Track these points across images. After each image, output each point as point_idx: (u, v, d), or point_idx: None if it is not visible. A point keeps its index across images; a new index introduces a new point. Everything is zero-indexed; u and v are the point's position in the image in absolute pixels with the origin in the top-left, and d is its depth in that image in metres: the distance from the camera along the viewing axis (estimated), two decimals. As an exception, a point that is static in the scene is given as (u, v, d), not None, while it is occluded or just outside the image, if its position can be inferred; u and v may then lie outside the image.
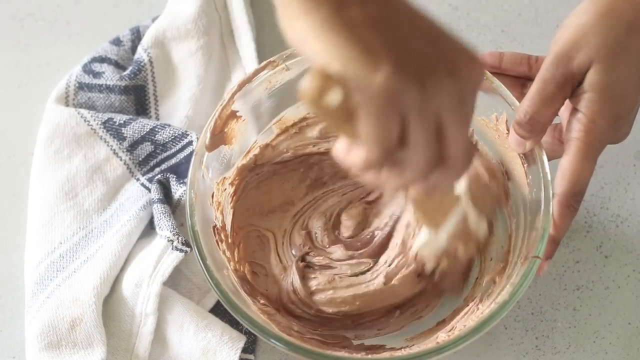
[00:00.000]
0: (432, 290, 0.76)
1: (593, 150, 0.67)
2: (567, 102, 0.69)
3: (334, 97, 0.50)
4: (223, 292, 0.67)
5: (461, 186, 0.70)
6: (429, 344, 0.69)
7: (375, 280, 0.75)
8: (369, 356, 0.69)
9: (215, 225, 0.73)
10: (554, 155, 0.71)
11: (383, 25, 0.51)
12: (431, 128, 0.52)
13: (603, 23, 0.66)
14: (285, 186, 0.81)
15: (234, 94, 0.73)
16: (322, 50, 0.50)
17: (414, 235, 0.74)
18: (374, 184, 0.56)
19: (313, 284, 0.76)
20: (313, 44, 0.51)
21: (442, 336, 0.69)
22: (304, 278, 0.76)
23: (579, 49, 0.66)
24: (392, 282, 0.75)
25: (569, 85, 0.67)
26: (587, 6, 0.67)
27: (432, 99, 0.51)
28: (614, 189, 0.83)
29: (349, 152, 0.54)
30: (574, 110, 0.67)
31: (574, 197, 0.67)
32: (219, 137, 0.73)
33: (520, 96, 0.72)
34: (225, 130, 0.74)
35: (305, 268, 0.77)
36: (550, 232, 0.67)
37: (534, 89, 0.67)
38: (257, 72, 0.74)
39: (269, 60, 0.74)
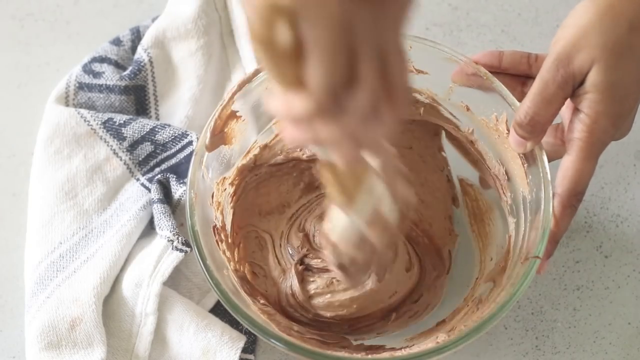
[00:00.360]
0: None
1: (595, 150, 0.67)
2: (568, 101, 0.69)
3: (284, 32, 0.48)
4: (223, 292, 0.67)
5: (376, 166, 0.65)
6: (429, 344, 0.69)
7: (369, 279, 0.75)
8: (369, 356, 0.69)
9: (215, 225, 0.73)
10: (557, 155, 0.71)
11: None
12: (379, 59, 0.50)
13: (604, 23, 0.66)
14: (281, 188, 0.81)
15: (234, 94, 0.73)
16: None
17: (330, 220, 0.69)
18: (310, 140, 0.53)
19: (312, 287, 0.76)
20: None
21: (442, 336, 0.69)
22: (302, 281, 0.76)
23: (580, 49, 0.66)
24: (385, 277, 0.75)
25: (570, 86, 0.67)
26: (586, 5, 0.67)
27: (381, 23, 0.50)
28: (614, 189, 0.83)
29: (289, 102, 0.51)
30: (576, 111, 0.67)
31: (576, 197, 0.68)
32: (219, 137, 0.73)
33: (521, 95, 0.72)
34: (225, 130, 0.74)
35: (305, 271, 0.77)
36: (551, 230, 0.67)
37: (534, 89, 0.67)
38: (257, 72, 0.74)
39: (269, 60, 0.74)
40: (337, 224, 0.65)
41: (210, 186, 0.73)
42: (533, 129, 0.68)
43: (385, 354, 0.70)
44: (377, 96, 0.51)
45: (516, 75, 0.75)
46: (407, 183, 0.66)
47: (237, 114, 0.74)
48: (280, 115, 0.52)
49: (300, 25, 0.48)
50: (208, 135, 0.72)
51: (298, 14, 0.48)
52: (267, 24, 0.48)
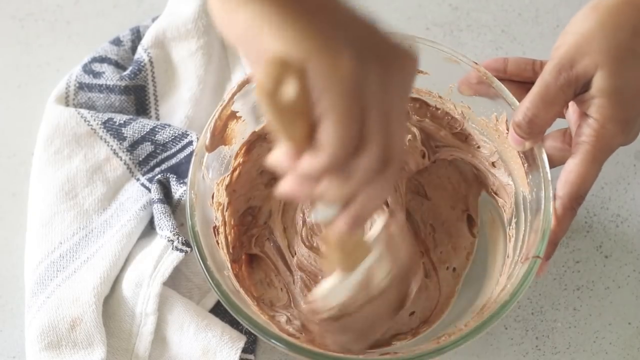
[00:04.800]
0: None
1: (601, 154, 0.67)
2: (575, 107, 0.69)
3: (291, 88, 0.48)
4: (224, 292, 0.66)
5: (375, 232, 0.66)
6: (430, 345, 0.69)
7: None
8: (369, 357, 0.69)
9: (216, 225, 0.73)
10: (564, 160, 0.71)
11: (334, 13, 0.51)
12: (388, 121, 0.51)
13: (606, 28, 0.66)
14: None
15: (233, 94, 0.73)
16: (279, 38, 0.49)
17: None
18: (309, 195, 0.53)
19: None
20: (268, 33, 0.49)
21: (443, 337, 0.69)
22: None
23: (584, 55, 0.66)
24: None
25: (572, 90, 0.67)
26: (588, 12, 0.67)
27: (388, 88, 0.51)
28: (614, 189, 0.83)
29: (296, 157, 0.51)
30: (585, 116, 0.67)
31: (577, 200, 0.68)
32: (218, 138, 0.73)
33: None
34: (225, 130, 0.74)
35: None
36: (551, 232, 0.67)
37: (534, 91, 0.67)
38: (256, 73, 0.74)
39: (268, 60, 0.74)
40: (331, 285, 0.65)
41: (211, 187, 0.73)
42: (531, 130, 0.68)
43: (386, 355, 0.70)
44: (385, 157, 0.52)
45: (521, 81, 0.75)
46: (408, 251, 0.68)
47: (237, 114, 0.74)
48: (283, 169, 0.52)
49: (311, 86, 0.48)
50: (208, 135, 0.72)
51: (308, 75, 0.48)
52: (275, 80, 0.48)
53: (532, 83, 0.74)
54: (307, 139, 0.50)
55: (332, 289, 0.65)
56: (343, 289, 0.64)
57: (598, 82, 0.66)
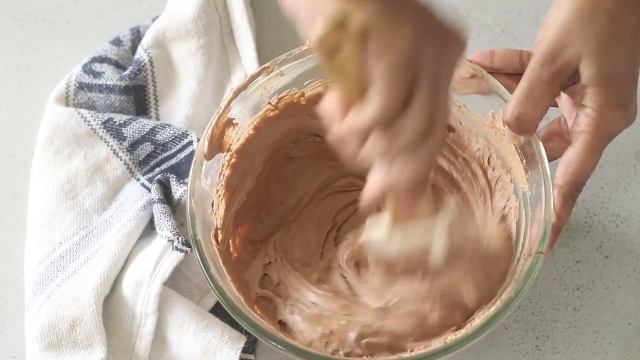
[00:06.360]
0: None
1: (601, 142, 0.67)
2: (567, 96, 0.69)
3: (348, 49, 0.51)
4: (228, 300, 0.66)
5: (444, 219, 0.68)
6: (436, 343, 0.69)
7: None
8: (373, 357, 0.69)
9: (217, 227, 0.73)
10: (561, 152, 0.71)
11: None
12: (436, 91, 0.54)
13: (584, 16, 0.66)
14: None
15: (229, 101, 0.73)
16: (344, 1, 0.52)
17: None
18: (356, 154, 0.56)
19: None
20: None
21: (450, 336, 0.69)
22: None
23: (565, 46, 0.66)
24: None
25: (558, 84, 0.67)
26: (563, 2, 0.67)
27: (440, 63, 0.54)
28: (614, 189, 0.83)
29: (345, 109, 0.54)
30: (581, 106, 0.67)
31: (577, 188, 0.68)
32: (216, 145, 0.73)
33: None
34: (223, 138, 0.73)
35: None
36: (552, 221, 0.67)
37: (520, 89, 0.67)
38: (252, 79, 0.73)
39: (263, 66, 0.74)
40: (380, 229, 0.67)
41: (210, 194, 0.73)
42: (520, 127, 0.68)
43: (393, 356, 0.69)
44: (430, 122, 0.54)
45: (509, 73, 0.75)
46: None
47: (234, 121, 0.74)
48: (330, 118, 0.56)
49: (369, 49, 0.52)
50: (206, 144, 0.71)
51: (368, 38, 0.51)
52: (333, 37, 0.51)
53: (521, 74, 0.74)
54: (359, 98, 0.53)
55: (380, 236, 0.66)
56: (389, 243, 0.66)
57: (586, 71, 0.66)
